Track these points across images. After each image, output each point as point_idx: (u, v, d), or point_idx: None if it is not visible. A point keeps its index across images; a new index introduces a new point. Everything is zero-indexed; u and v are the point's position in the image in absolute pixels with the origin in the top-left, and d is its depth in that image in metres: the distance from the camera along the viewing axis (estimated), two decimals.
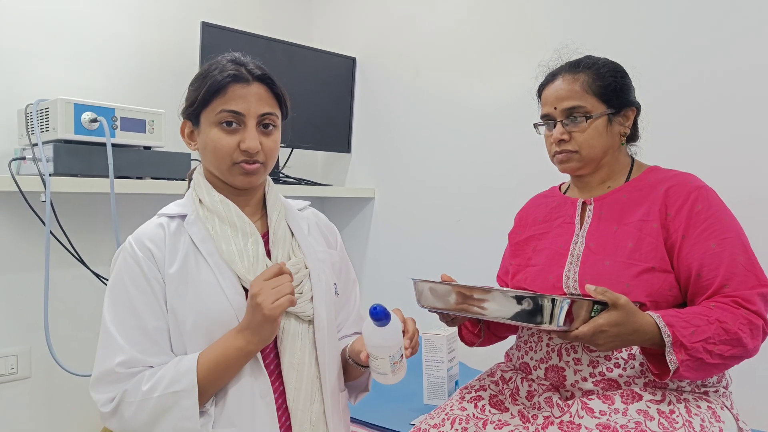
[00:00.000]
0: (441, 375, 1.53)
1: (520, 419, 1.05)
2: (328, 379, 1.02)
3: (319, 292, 1.03)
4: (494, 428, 1.04)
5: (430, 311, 1.10)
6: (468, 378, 1.69)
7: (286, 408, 0.99)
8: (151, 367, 0.95)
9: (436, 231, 2.07)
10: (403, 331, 0.98)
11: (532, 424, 1.03)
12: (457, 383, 1.59)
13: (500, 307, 0.94)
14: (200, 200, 1.03)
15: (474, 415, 1.09)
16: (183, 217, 1.03)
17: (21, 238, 1.65)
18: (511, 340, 1.28)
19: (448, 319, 1.16)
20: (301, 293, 1.01)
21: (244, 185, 1.03)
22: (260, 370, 0.97)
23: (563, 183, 1.32)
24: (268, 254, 1.04)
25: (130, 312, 0.96)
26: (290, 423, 0.99)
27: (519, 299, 0.91)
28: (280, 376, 0.99)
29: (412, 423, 1.41)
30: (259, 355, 0.97)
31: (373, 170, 2.30)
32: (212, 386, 0.93)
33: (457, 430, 1.05)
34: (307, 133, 2.21)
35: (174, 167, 1.71)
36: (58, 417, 1.70)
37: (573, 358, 1.05)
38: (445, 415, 1.10)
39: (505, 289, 1.02)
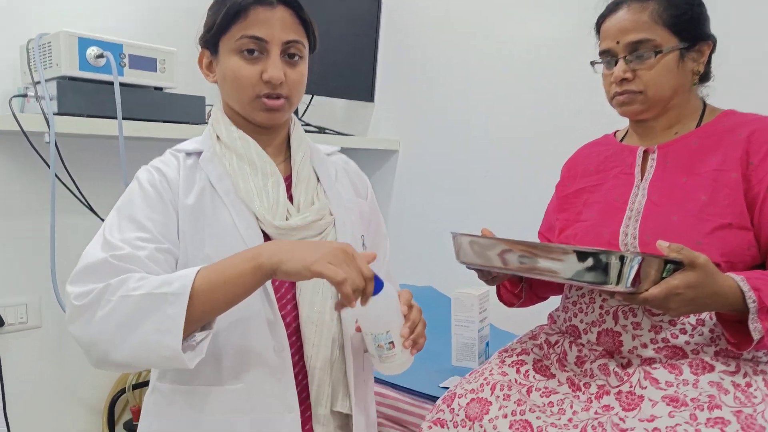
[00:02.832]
0: (471, 336, 1.44)
1: (569, 387, 0.95)
2: (350, 336, 0.93)
3: (344, 242, 0.93)
4: (540, 396, 0.95)
5: (468, 268, 1.00)
6: (499, 340, 1.60)
7: (303, 366, 0.90)
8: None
9: (466, 185, 1.95)
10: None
11: (583, 393, 0.93)
12: (487, 345, 1.50)
13: (557, 265, 0.82)
14: (218, 136, 0.95)
15: (516, 380, 0.99)
16: (199, 154, 0.94)
17: (25, 182, 1.55)
18: (553, 300, 1.18)
19: (488, 277, 1.05)
20: None
21: (266, 122, 0.93)
22: (276, 320, 0.87)
23: (617, 131, 1.18)
24: (290, 199, 0.94)
25: (136, 226, 0.84)
26: (307, 383, 0.90)
27: (581, 255, 0.79)
28: (297, 330, 0.90)
29: (442, 386, 1.32)
30: (275, 304, 0.87)
31: (397, 120, 2.16)
32: (207, 300, 0.75)
33: (498, 396, 0.96)
34: (326, 80, 2.06)
35: (187, 111, 1.60)
36: (69, 367, 1.64)
37: (632, 322, 0.94)
38: (484, 380, 1.01)
39: (563, 245, 0.90)
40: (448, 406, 0.99)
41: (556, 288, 1.20)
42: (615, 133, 1.18)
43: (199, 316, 0.76)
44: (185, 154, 0.94)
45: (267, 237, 0.90)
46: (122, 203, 0.88)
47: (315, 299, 0.90)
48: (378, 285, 0.78)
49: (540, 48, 1.77)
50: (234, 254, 0.78)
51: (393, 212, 2.17)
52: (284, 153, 1.00)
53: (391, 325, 0.80)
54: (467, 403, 0.97)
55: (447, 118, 2.01)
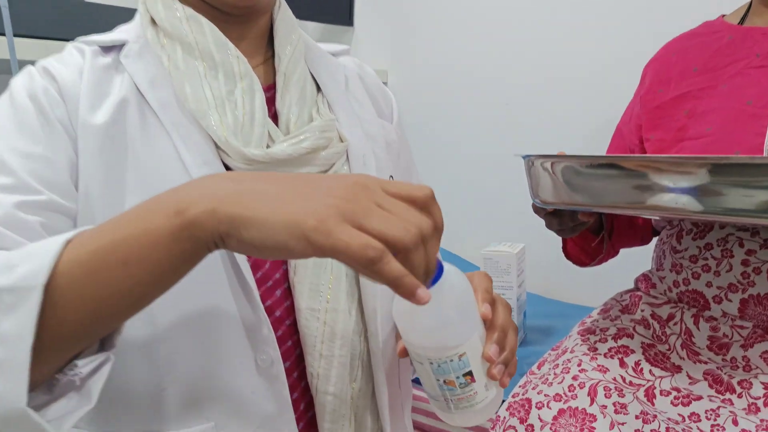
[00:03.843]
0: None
1: (711, 386, 0.63)
2: (381, 339, 0.58)
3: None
4: (672, 403, 0.62)
5: (539, 210, 0.68)
6: (538, 309, 1.28)
7: (307, 389, 0.56)
8: None
9: (479, 120, 1.59)
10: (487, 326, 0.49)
11: (739, 396, 0.61)
12: (525, 316, 1.18)
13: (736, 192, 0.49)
14: (152, 19, 0.57)
15: (625, 379, 0.66)
16: (121, 47, 0.56)
17: None
18: (627, 255, 0.86)
19: (568, 225, 0.71)
20: None
21: (237, 2, 0.56)
22: (257, 316, 0.52)
23: (724, 15, 0.84)
24: (274, 117, 0.59)
25: None
26: (314, 415, 0.56)
27: None
28: (294, 332, 0.55)
29: None
30: (253, 287, 0.51)
31: (384, 46, 1.77)
32: (88, 299, 0.37)
33: (605, 407, 0.63)
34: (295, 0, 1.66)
35: (110, 26, 1.18)
36: None
37: None
38: (573, 378, 0.67)
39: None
40: (523, 421, 0.66)
41: (637, 237, 0.88)
42: (722, 17, 0.84)
43: (75, 330, 0.38)
44: (98, 47, 0.56)
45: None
46: None
47: (320, 279, 0.55)
48: (437, 268, 0.42)
49: None
50: (143, 203, 0.40)
51: None
52: (264, 51, 0.63)
53: (468, 341, 0.44)
54: (554, 418, 0.64)
55: (449, 37, 1.62)
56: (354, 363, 0.57)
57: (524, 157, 0.63)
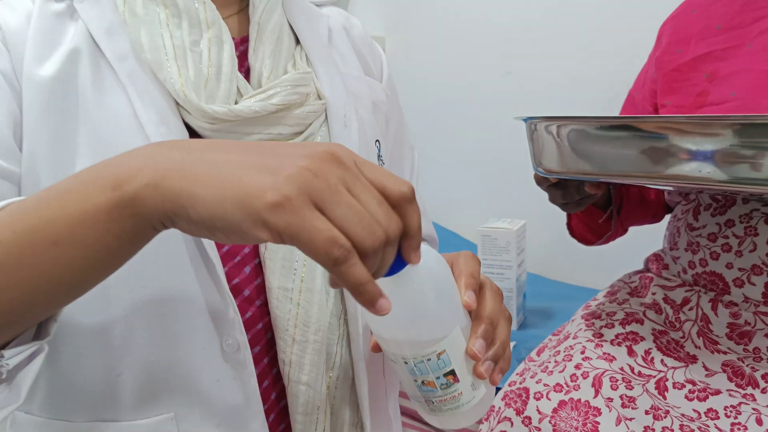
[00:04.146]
0: (507, 287, 1.05)
1: (731, 378, 0.57)
2: (362, 324, 0.52)
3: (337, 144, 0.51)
4: (687, 398, 0.56)
5: (552, 180, 0.62)
6: (538, 291, 1.22)
7: (278, 376, 0.50)
8: None
9: (477, 88, 1.51)
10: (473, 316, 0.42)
11: (763, 391, 0.54)
12: (525, 297, 1.11)
13: None
14: None
15: (633, 368, 0.60)
16: None
17: None
18: (635, 234, 0.79)
19: (575, 198, 0.65)
20: None
21: None
22: (222, 297, 0.46)
23: None
24: (246, 73, 0.53)
25: None
26: (286, 405, 0.50)
27: None
28: (265, 313, 0.49)
29: None
30: (217, 264, 0.46)
31: (382, 12, 1.69)
32: (15, 280, 0.32)
33: (610, 400, 0.57)
34: None
35: None
36: None
37: None
38: (575, 367, 0.61)
39: None
40: (519, 412, 0.60)
41: (650, 213, 0.82)
42: None
43: (2, 317, 0.34)
44: None
45: (196, 135, 0.48)
46: None
47: (294, 255, 0.49)
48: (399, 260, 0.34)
49: None
50: (77, 173, 0.34)
51: None
52: (239, 1, 0.56)
53: (447, 336, 0.37)
54: (554, 410, 0.58)
55: (448, 4, 1.54)
56: (331, 349, 0.51)
57: (526, 120, 0.56)
